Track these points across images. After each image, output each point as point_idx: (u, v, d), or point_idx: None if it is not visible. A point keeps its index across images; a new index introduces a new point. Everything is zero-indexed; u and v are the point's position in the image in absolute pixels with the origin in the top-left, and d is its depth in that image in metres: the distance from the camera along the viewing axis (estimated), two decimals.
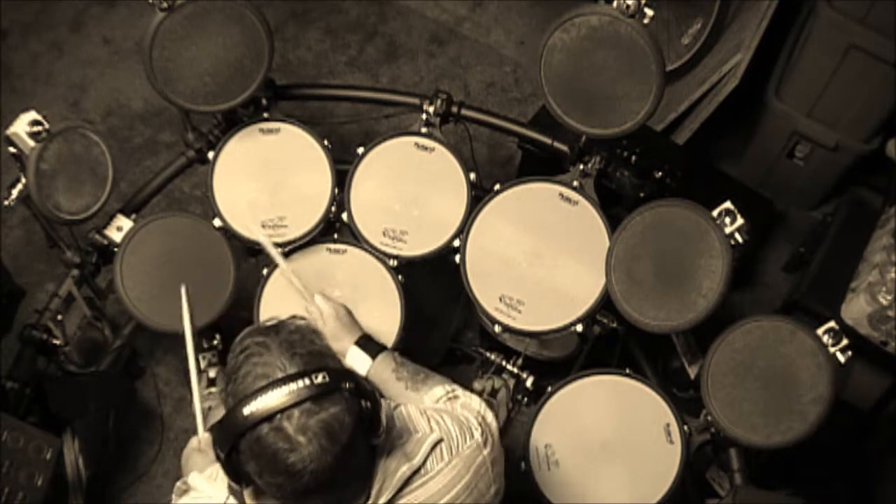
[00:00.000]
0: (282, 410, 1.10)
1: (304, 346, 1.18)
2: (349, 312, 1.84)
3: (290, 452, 1.11)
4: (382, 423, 1.23)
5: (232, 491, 1.26)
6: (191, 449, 1.63)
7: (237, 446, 1.14)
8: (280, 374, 1.13)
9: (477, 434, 1.37)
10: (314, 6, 3.17)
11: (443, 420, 1.37)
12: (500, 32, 3.16)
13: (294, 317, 1.24)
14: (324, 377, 1.13)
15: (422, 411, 1.39)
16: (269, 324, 1.22)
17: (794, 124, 2.59)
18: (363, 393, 1.19)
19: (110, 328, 2.29)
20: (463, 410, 1.45)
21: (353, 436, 1.15)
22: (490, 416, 1.49)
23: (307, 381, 1.12)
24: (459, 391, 1.56)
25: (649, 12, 1.86)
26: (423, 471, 1.29)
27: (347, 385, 1.16)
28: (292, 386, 1.11)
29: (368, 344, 1.74)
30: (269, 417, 1.10)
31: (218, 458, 1.18)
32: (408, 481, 1.27)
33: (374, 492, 1.24)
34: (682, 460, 1.88)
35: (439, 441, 1.33)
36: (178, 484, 1.49)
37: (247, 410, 1.11)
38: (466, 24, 3.17)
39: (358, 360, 1.73)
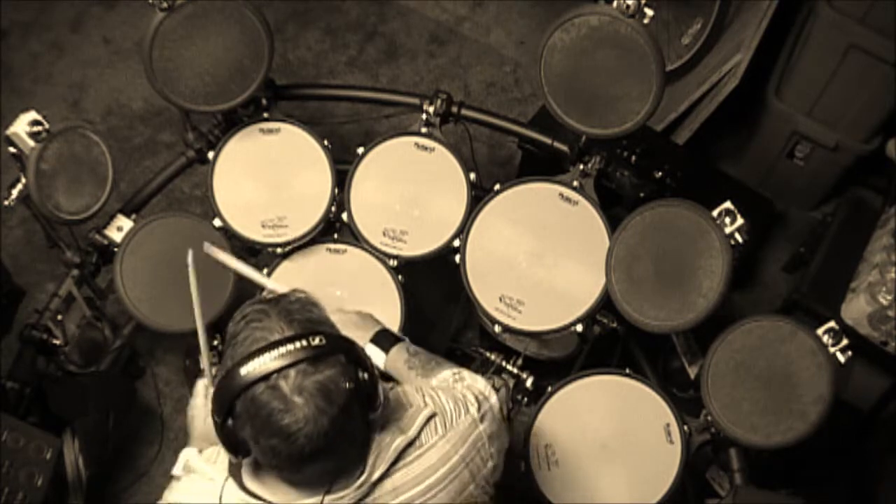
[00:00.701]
0: (278, 371, 1.11)
1: (303, 314, 1.20)
2: (365, 315, 1.85)
3: (286, 413, 1.11)
4: (380, 396, 1.24)
5: (231, 473, 1.26)
6: (197, 396, 1.63)
7: (234, 408, 1.15)
8: (277, 337, 1.15)
9: (473, 409, 1.37)
10: (314, 6, 3.17)
11: (437, 395, 1.37)
12: (500, 32, 3.16)
13: (294, 290, 1.26)
14: (320, 340, 1.14)
15: (417, 388, 1.39)
16: (270, 296, 1.25)
17: (794, 124, 2.59)
18: (360, 363, 1.20)
19: (110, 328, 2.29)
20: (464, 389, 1.45)
21: (349, 401, 1.15)
22: (493, 397, 1.48)
23: (304, 343, 1.13)
24: (466, 374, 1.56)
25: (649, 12, 1.86)
26: (417, 443, 1.30)
27: (345, 351, 1.18)
28: (289, 346, 1.12)
29: (382, 339, 1.74)
30: (265, 377, 1.11)
31: (216, 425, 1.18)
32: (402, 453, 1.27)
33: (368, 465, 1.24)
34: (682, 460, 1.88)
35: (433, 415, 1.33)
36: (177, 467, 1.50)
37: (243, 371, 1.12)
38: (466, 24, 3.17)
39: (373, 357, 1.73)
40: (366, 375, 1.20)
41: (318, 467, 1.19)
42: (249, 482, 1.26)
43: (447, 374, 1.56)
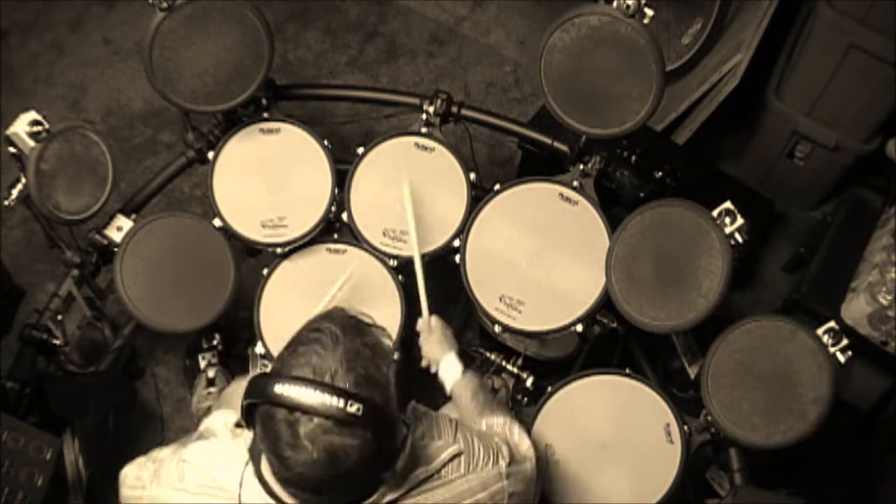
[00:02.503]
0: (304, 412, 1.10)
1: (366, 367, 1.16)
2: (450, 333, 1.88)
3: (290, 448, 1.11)
4: (399, 461, 1.22)
5: (252, 455, 1.26)
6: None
7: (254, 409, 1.16)
8: (326, 379, 1.12)
9: (502, 463, 1.36)
10: (314, 6, 3.17)
11: (470, 437, 1.36)
12: (500, 32, 3.16)
13: (384, 330, 1.24)
14: (358, 409, 1.11)
15: (451, 421, 1.38)
16: (358, 318, 1.22)
17: (794, 124, 2.59)
18: (391, 436, 1.18)
19: (110, 328, 2.29)
20: (501, 444, 1.42)
21: (353, 470, 1.14)
22: (532, 462, 1.48)
23: (341, 404, 1.10)
24: (517, 429, 1.56)
25: (649, 12, 1.86)
26: (437, 476, 1.29)
27: (377, 426, 1.14)
28: (326, 398, 1.10)
29: (461, 357, 1.79)
30: (290, 408, 1.11)
31: (241, 407, 1.18)
32: (419, 484, 1.27)
33: (380, 489, 1.23)
34: (682, 460, 1.88)
35: (459, 453, 1.32)
36: (201, 428, 1.51)
37: (278, 389, 1.11)
38: (466, 24, 3.17)
39: (452, 367, 1.76)
40: (389, 444, 1.18)
41: (318, 500, 1.19)
42: (265, 471, 1.25)
43: (500, 421, 1.57)
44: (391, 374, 1.20)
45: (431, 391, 1.79)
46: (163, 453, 1.40)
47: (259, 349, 2.03)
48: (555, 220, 2.08)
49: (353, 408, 1.11)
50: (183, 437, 1.47)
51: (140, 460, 1.44)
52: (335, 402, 1.10)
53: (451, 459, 1.31)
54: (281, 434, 1.11)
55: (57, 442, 1.97)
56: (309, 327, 1.19)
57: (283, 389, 1.11)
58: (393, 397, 1.19)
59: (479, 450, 1.35)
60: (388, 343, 1.23)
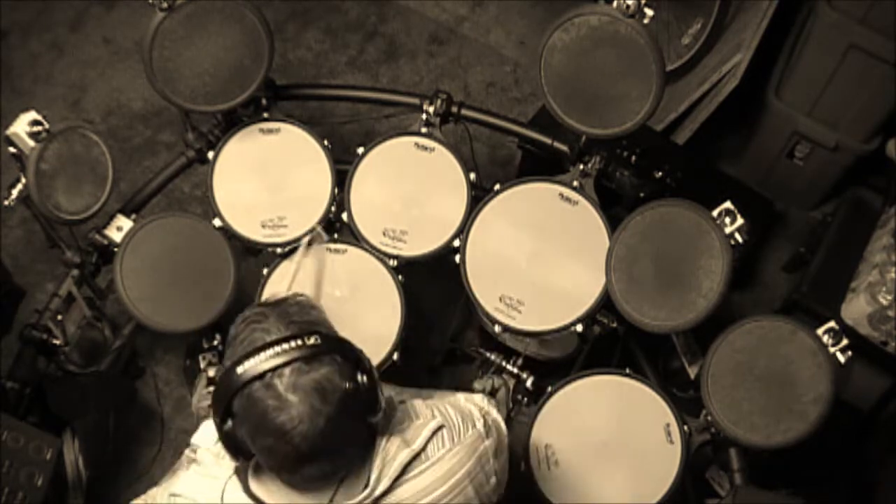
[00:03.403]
0: (273, 369, 1.13)
1: (301, 316, 1.22)
2: None
3: (280, 411, 1.12)
4: (381, 401, 1.23)
5: (237, 472, 1.27)
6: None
7: (231, 407, 1.16)
8: (274, 337, 1.16)
9: (479, 424, 1.38)
10: (314, 6, 3.17)
11: (446, 409, 1.37)
12: (500, 32, 3.16)
13: (295, 293, 1.28)
14: (315, 339, 1.16)
15: (426, 403, 1.40)
16: (271, 299, 1.28)
17: (794, 124, 2.59)
18: (359, 363, 1.21)
19: (110, 328, 2.29)
20: (467, 403, 1.46)
21: (345, 399, 1.16)
22: (494, 413, 1.50)
23: (299, 342, 1.15)
24: (461, 394, 1.57)
25: (649, 12, 1.86)
26: (423, 456, 1.30)
27: (342, 351, 1.19)
28: (284, 346, 1.14)
29: None
30: (260, 375, 1.13)
31: (217, 427, 1.19)
32: (407, 467, 1.27)
33: (373, 477, 1.24)
34: (682, 460, 1.88)
35: (440, 427, 1.33)
36: (187, 452, 1.51)
37: (240, 369, 1.14)
38: (466, 24, 3.17)
39: None
40: (365, 378, 1.20)
41: (316, 469, 1.19)
42: (253, 485, 1.26)
43: (445, 392, 1.59)
44: (323, 315, 1.27)
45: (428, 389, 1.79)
46: (155, 490, 1.45)
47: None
48: (555, 220, 2.08)
49: (311, 339, 1.15)
50: (174, 467, 1.51)
51: (136, 502, 1.48)
52: (293, 344, 1.14)
53: (434, 434, 1.32)
54: (265, 404, 1.12)
55: (57, 442, 1.98)
56: (234, 325, 1.24)
57: (244, 367, 1.14)
58: (338, 334, 1.24)
59: (456, 418, 1.36)
60: (305, 297, 1.28)
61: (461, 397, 1.50)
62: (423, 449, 1.30)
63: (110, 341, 2.29)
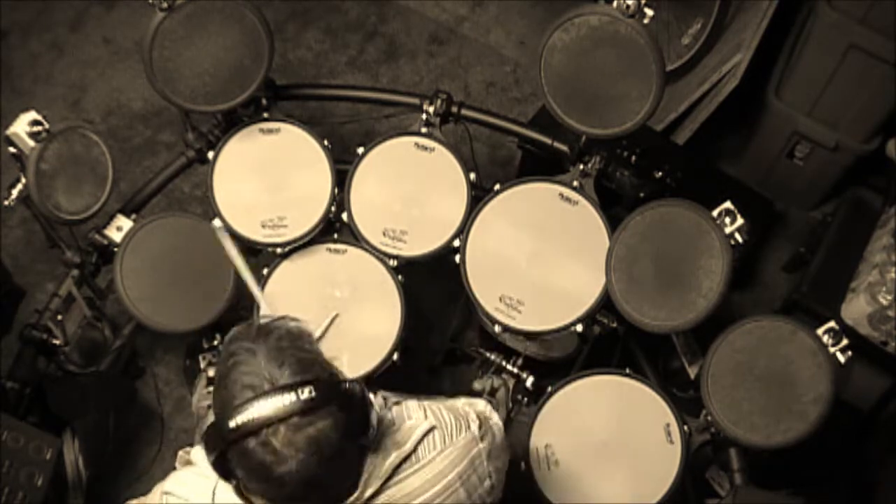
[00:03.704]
0: (268, 425, 1.09)
1: (294, 354, 1.15)
2: None
3: (277, 465, 1.10)
4: (373, 425, 1.22)
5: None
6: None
7: (225, 454, 1.14)
8: (266, 387, 1.11)
9: (474, 427, 1.37)
10: (314, 6, 3.17)
11: (439, 411, 1.36)
12: (500, 32, 3.16)
13: (285, 317, 1.21)
14: (310, 392, 1.10)
15: (420, 404, 1.39)
16: (259, 324, 1.19)
17: (794, 124, 2.59)
18: (353, 401, 1.17)
19: (110, 328, 2.29)
20: (466, 406, 1.45)
21: (340, 447, 1.14)
22: (495, 416, 1.49)
23: (293, 397, 1.09)
24: (462, 397, 1.57)
25: (649, 12, 1.86)
26: (413, 458, 1.29)
27: (337, 398, 1.14)
28: (278, 401, 1.09)
29: None
30: (255, 432, 1.09)
31: (209, 462, 1.17)
32: (397, 469, 1.26)
33: (361, 481, 1.23)
34: (682, 460, 1.88)
35: (432, 428, 1.32)
36: (181, 453, 1.50)
37: (232, 423, 1.09)
38: (466, 24, 3.17)
39: None
40: (357, 410, 1.18)
41: (310, 501, 1.18)
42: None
43: (441, 397, 1.57)
44: (315, 346, 1.20)
45: (427, 389, 1.80)
46: (152, 491, 1.43)
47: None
48: (555, 220, 2.08)
49: (306, 393, 1.10)
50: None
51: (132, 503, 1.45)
52: (288, 398, 1.09)
53: (425, 436, 1.31)
54: (261, 458, 1.10)
55: (57, 442, 1.98)
56: (221, 361, 1.17)
57: (237, 421, 1.09)
58: (330, 364, 1.19)
59: (449, 420, 1.35)
60: (295, 323, 1.21)
61: (462, 401, 1.49)
62: (414, 451, 1.29)
63: (110, 341, 2.30)
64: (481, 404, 1.53)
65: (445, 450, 1.31)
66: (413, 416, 1.34)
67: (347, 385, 1.18)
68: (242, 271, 1.74)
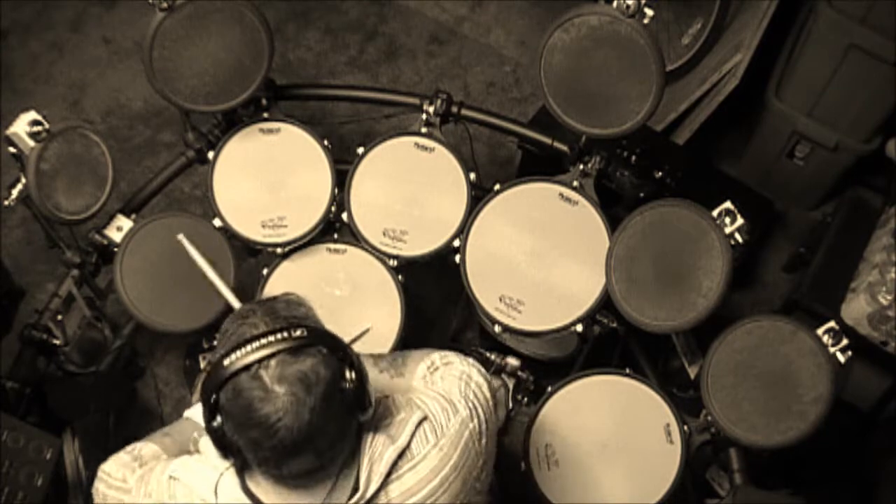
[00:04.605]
0: (259, 361, 1.14)
1: (288, 311, 1.24)
2: None
3: (265, 402, 1.13)
4: (370, 397, 1.24)
5: (237, 469, 1.27)
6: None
7: (219, 400, 1.17)
8: (262, 329, 1.18)
9: (461, 408, 1.36)
10: (314, 6, 3.17)
11: (424, 403, 1.36)
12: (500, 32, 3.16)
13: (286, 293, 1.30)
14: (301, 332, 1.17)
15: (406, 399, 1.39)
16: (261, 299, 1.31)
17: (794, 124, 2.59)
18: (346, 358, 1.21)
19: (110, 328, 2.29)
20: (444, 384, 1.43)
21: (329, 391, 1.16)
22: (475, 374, 1.46)
23: (285, 334, 1.16)
24: (438, 360, 1.54)
25: (649, 12, 1.86)
26: (409, 454, 1.29)
27: (328, 343, 1.20)
28: (270, 338, 1.16)
29: None
30: (247, 367, 1.14)
31: (205, 423, 1.20)
32: (394, 465, 1.27)
33: (363, 478, 1.24)
34: (682, 460, 1.88)
35: (423, 419, 1.32)
36: (195, 435, 1.50)
37: (227, 361, 1.15)
38: (466, 24, 3.17)
39: None
40: (353, 374, 1.21)
41: (301, 463, 1.19)
42: (248, 481, 1.26)
43: (422, 370, 1.55)
44: (312, 314, 1.27)
45: None
46: (146, 451, 1.44)
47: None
48: (555, 220, 2.08)
49: (297, 332, 1.17)
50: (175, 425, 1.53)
51: (122, 458, 1.44)
52: (279, 336, 1.16)
53: (417, 428, 1.31)
54: (251, 395, 1.13)
55: (57, 442, 1.98)
56: (227, 321, 1.26)
57: (231, 359, 1.15)
58: (326, 329, 1.24)
59: (436, 409, 1.35)
60: (295, 296, 1.29)
61: (438, 377, 1.47)
62: (408, 445, 1.29)
63: (110, 341, 2.29)
64: (458, 365, 1.50)
65: (439, 441, 1.31)
66: (401, 409, 1.35)
67: (341, 342, 1.23)
68: (217, 284, 1.75)
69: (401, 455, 1.28)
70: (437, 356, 1.56)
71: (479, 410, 1.39)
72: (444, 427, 1.33)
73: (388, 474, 1.26)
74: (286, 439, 1.14)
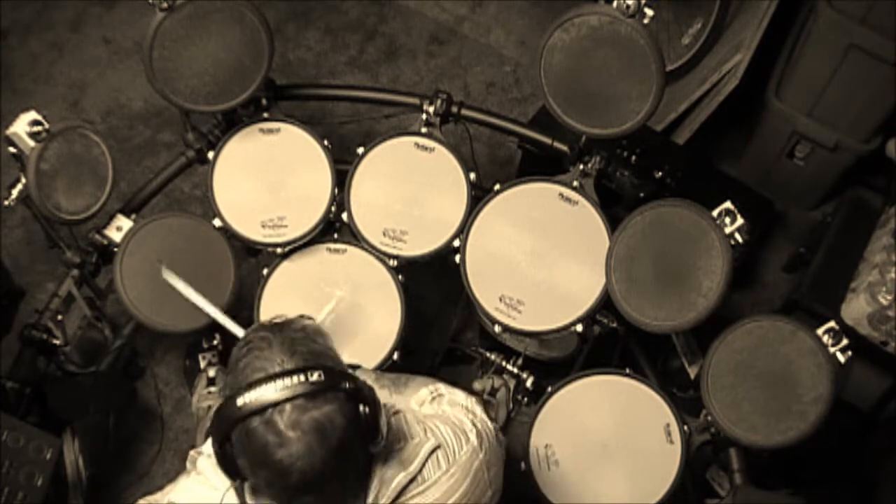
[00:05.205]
0: (274, 405, 1.10)
1: (306, 345, 1.18)
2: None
3: (279, 448, 1.10)
4: (382, 430, 1.21)
5: (234, 487, 1.26)
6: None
7: (230, 437, 1.14)
8: (278, 369, 1.13)
9: (472, 437, 1.37)
10: (314, 6, 3.17)
11: (438, 428, 1.36)
12: (500, 32, 3.16)
13: (302, 316, 1.25)
14: (319, 375, 1.13)
15: (418, 420, 1.38)
16: (276, 321, 1.23)
17: (794, 124, 2.59)
18: (362, 397, 1.18)
19: (110, 328, 2.29)
20: (454, 411, 1.44)
21: (345, 438, 1.14)
22: (479, 409, 1.48)
23: (302, 378, 1.12)
24: (442, 388, 1.56)
25: (649, 12, 1.86)
26: (419, 479, 1.28)
27: (345, 386, 1.16)
28: (287, 381, 1.11)
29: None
30: (260, 410, 1.11)
31: (214, 450, 1.18)
32: (403, 490, 1.26)
33: (369, 501, 1.23)
34: (682, 460, 1.88)
35: (436, 447, 1.32)
36: (192, 453, 1.50)
37: (240, 401, 1.11)
38: (466, 24, 3.17)
39: None
40: (367, 410, 1.18)
41: (312, 500, 1.17)
42: (250, 498, 1.25)
43: (424, 394, 1.56)
44: (331, 343, 1.23)
45: None
46: (156, 496, 1.41)
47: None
48: (555, 220, 2.08)
49: (314, 376, 1.12)
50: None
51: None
52: (296, 380, 1.11)
53: (430, 455, 1.30)
54: (265, 439, 1.10)
55: (57, 442, 1.98)
56: (239, 346, 1.20)
57: (244, 400, 1.11)
58: (343, 364, 1.21)
59: (449, 436, 1.35)
60: (311, 322, 1.25)
61: (444, 402, 1.48)
62: (419, 472, 1.28)
63: (110, 341, 2.30)
64: (461, 397, 1.51)
65: (450, 468, 1.31)
66: (415, 434, 1.33)
67: (358, 381, 1.19)
68: (208, 309, 1.74)
69: (411, 480, 1.27)
70: (441, 385, 1.56)
71: (487, 442, 1.39)
72: (455, 454, 1.33)
73: (396, 498, 1.25)
74: (299, 483, 1.12)
